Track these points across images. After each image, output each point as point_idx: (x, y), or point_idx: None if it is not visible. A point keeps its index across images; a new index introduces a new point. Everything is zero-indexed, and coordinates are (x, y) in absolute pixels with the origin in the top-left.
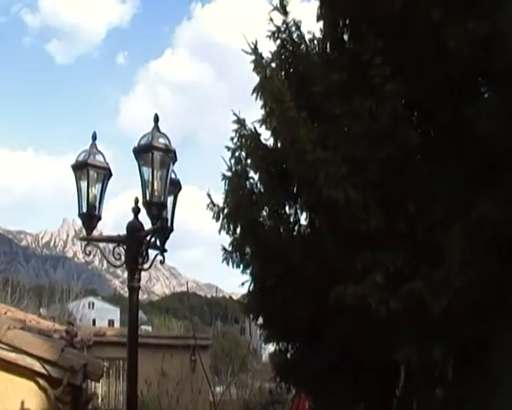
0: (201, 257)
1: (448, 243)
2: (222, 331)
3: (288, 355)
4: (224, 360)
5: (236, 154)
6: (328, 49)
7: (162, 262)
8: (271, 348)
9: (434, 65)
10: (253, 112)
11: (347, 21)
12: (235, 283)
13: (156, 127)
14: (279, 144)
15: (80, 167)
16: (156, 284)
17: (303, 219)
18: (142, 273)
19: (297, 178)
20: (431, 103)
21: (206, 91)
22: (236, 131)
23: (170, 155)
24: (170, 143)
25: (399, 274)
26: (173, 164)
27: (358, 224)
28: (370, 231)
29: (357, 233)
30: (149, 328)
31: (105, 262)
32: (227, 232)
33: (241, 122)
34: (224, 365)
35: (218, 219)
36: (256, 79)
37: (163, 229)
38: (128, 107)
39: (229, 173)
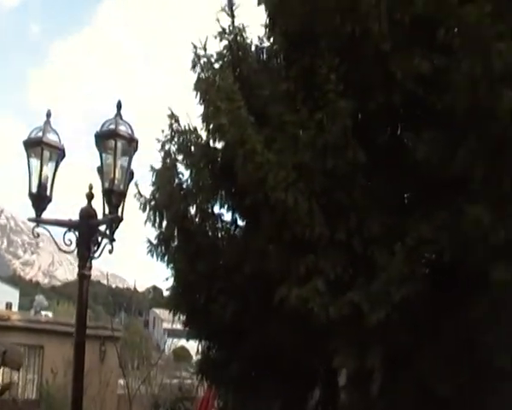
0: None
1: (387, 258)
2: (126, 323)
3: (211, 354)
4: (128, 352)
5: (166, 147)
6: (275, 58)
7: (111, 252)
8: (177, 343)
9: (381, 90)
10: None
11: (298, 34)
12: (140, 275)
13: (119, 114)
14: (221, 143)
15: (33, 145)
16: (59, 268)
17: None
18: (45, 256)
19: (244, 178)
20: (376, 125)
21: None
22: (170, 125)
23: (133, 144)
24: (133, 132)
25: (339, 282)
26: (134, 154)
27: (303, 229)
28: (314, 237)
29: (301, 238)
30: (50, 314)
31: (5, 240)
32: (153, 224)
33: (174, 117)
34: (128, 358)
35: (144, 209)
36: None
37: (117, 218)
38: (38, 81)
39: (157, 166)
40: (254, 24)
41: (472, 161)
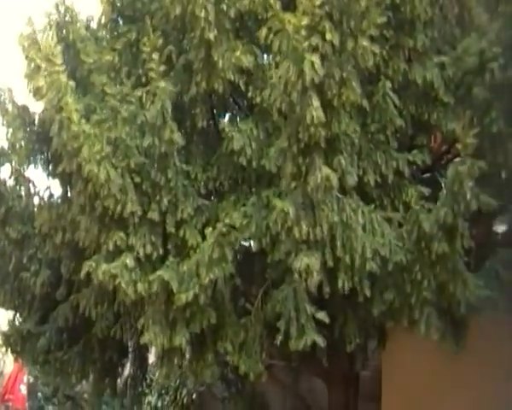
0: None
1: (198, 241)
2: None
3: (19, 325)
4: None
5: None
6: (104, 28)
7: None
8: None
9: (203, 77)
10: None
11: (126, 7)
12: None
13: None
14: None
15: None
16: None
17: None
18: None
19: (58, 146)
20: (197, 110)
21: None
22: None
23: None
24: None
25: (149, 260)
26: None
27: (115, 205)
28: (125, 213)
29: (112, 213)
30: None
31: None
32: None
33: None
34: None
35: None
36: None
37: None
38: None
39: None
40: None
41: (282, 160)
